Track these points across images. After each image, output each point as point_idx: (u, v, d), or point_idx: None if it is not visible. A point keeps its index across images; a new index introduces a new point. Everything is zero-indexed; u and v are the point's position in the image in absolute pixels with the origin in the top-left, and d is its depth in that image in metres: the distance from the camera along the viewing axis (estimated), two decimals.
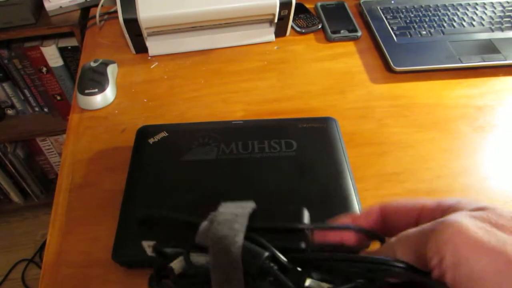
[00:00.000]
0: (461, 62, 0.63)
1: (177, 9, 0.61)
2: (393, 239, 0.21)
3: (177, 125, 0.51)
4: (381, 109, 0.58)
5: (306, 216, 0.24)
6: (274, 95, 0.60)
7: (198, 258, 0.23)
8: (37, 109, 1.20)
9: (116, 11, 0.68)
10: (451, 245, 0.17)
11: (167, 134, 0.48)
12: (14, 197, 1.36)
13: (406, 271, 0.20)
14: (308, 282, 0.21)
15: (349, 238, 0.24)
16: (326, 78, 0.63)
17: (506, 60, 0.63)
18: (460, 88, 0.61)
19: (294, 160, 0.45)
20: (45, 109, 1.19)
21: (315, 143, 0.47)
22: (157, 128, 0.49)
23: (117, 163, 0.50)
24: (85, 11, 0.92)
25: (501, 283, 0.16)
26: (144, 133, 0.49)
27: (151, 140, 0.48)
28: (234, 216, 0.22)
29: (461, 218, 0.18)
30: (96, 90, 0.58)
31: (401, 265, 0.20)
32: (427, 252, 0.18)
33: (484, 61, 0.63)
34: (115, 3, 0.62)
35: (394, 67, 0.62)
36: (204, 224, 0.23)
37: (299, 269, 0.21)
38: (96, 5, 0.74)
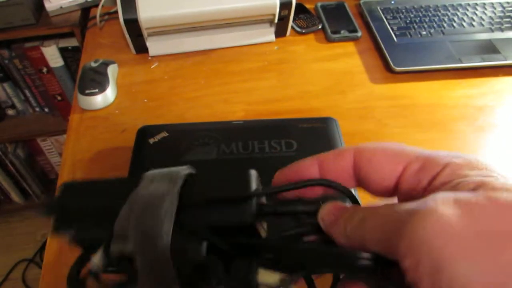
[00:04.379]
0: (461, 62, 0.63)
1: (178, 9, 0.61)
2: (360, 215, 0.17)
3: (177, 125, 0.51)
4: (381, 109, 0.58)
5: (254, 180, 0.20)
6: (274, 95, 0.60)
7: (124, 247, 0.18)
8: (37, 109, 1.20)
9: (116, 12, 0.68)
10: (428, 246, 0.13)
11: (167, 134, 0.48)
12: (15, 197, 1.36)
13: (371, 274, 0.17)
14: (260, 274, 0.17)
15: (312, 191, 0.20)
16: (326, 78, 0.63)
17: (506, 60, 0.63)
18: (460, 88, 0.61)
19: (294, 160, 0.45)
20: (46, 109, 1.20)
21: (315, 143, 0.47)
22: (157, 128, 0.49)
23: (117, 163, 0.50)
24: (85, 11, 0.92)
25: None
26: (144, 133, 0.49)
27: (151, 140, 0.48)
28: (159, 196, 0.18)
29: (442, 208, 0.14)
30: (97, 90, 0.58)
31: (366, 262, 0.17)
32: (399, 248, 0.14)
33: (484, 61, 0.63)
34: (115, 4, 0.62)
35: (394, 67, 0.63)
36: (124, 209, 0.18)
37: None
38: (97, 6, 0.74)
